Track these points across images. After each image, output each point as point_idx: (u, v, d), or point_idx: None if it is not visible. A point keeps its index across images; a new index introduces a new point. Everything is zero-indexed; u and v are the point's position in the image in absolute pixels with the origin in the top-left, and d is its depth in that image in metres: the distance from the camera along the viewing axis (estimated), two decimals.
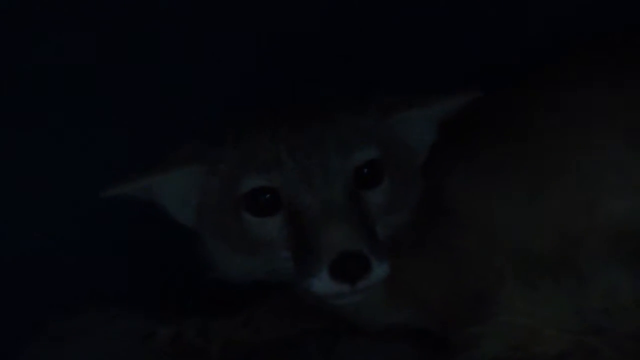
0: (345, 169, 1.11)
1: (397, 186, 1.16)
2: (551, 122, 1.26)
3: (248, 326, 1.34)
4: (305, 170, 1.10)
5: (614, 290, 1.13)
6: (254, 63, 1.50)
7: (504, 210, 1.23)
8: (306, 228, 1.09)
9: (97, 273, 1.44)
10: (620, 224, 1.19)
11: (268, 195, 1.12)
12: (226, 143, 1.17)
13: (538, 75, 1.33)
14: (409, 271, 1.23)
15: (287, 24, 1.50)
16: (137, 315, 1.37)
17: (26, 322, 1.35)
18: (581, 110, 1.25)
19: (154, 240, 1.39)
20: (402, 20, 1.51)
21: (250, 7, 1.49)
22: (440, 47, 1.52)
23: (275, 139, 1.13)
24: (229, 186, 1.14)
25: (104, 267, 1.44)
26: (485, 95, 1.19)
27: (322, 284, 1.06)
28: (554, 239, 1.21)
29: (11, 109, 1.43)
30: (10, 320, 1.39)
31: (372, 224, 1.12)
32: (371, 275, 1.06)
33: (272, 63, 1.50)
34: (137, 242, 1.44)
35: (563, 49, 1.36)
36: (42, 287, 1.42)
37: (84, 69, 1.43)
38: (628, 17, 1.45)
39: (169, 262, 1.38)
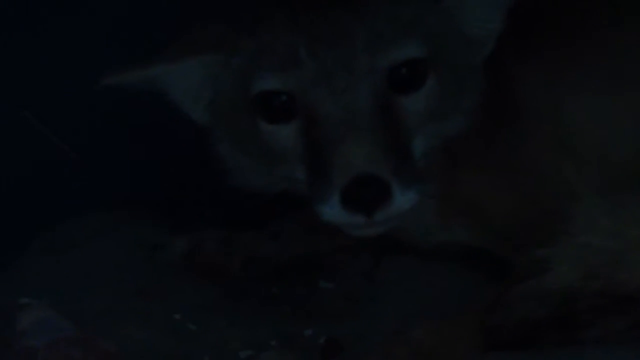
0: (376, 69, 0.93)
1: (448, 88, 0.98)
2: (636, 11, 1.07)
3: (276, 240, 1.20)
4: (326, 69, 0.93)
5: None
6: None
7: (581, 114, 1.06)
8: (322, 141, 0.92)
9: (96, 175, 1.27)
10: None
11: (282, 99, 0.95)
12: (242, 30, 0.99)
13: None
14: (467, 183, 1.06)
15: None
16: (145, 222, 1.22)
17: (22, 232, 1.21)
18: None
19: (167, 138, 1.22)
20: None
21: None
22: None
23: (294, 28, 0.95)
24: (243, 83, 0.98)
25: (105, 166, 1.28)
26: None
27: (333, 211, 0.90)
28: (638, 148, 1.04)
29: None
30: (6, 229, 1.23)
31: (406, 139, 0.95)
32: (391, 205, 0.89)
33: None
34: (146, 140, 1.28)
35: None
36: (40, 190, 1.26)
37: None
38: None
39: (184, 164, 1.22)
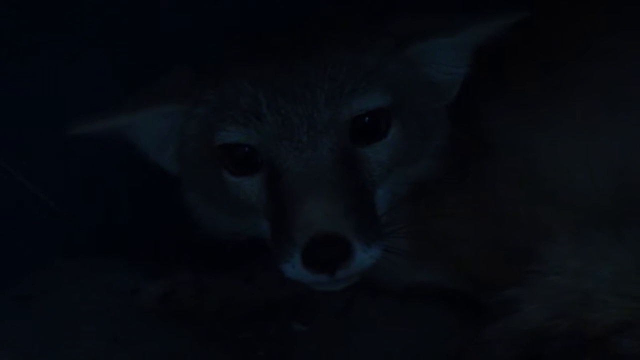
0: (339, 122, 0.92)
1: (413, 135, 0.97)
2: (612, 42, 1.06)
3: (251, 283, 1.18)
4: (288, 123, 0.92)
5: None
6: None
7: (553, 151, 1.05)
8: (284, 197, 0.91)
9: (71, 221, 1.27)
10: None
11: (246, 152, 0.95)
12: (206, 80, 0.99)
13: None
14: (439, 222, 1.05)
15: None
16: (120, 268, 1.21)
17: None
18: None
19: (143, 184, 1.21)
20: None
21: None
22: None
23: (256, 81, 0.94)
24: (207, 134, 0.97)
25: (82, 212, 1.27)
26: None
27: (296, 271, 0.90)
28: (611, 184, 1.03)
29: None
30: None
31: (369, 191, 0.94)
32: (353, 263, 0.89)
33: None
34: (122, 185, 1.28)
35: None
36: (13, 236, 1.25)
37: None
38: None
39: (160, 210, 1.20)
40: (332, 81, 0.93)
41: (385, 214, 0.96)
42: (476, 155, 1.05)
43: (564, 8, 1.12)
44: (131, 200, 1.27)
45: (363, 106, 0.93)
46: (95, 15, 1.26)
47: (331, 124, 0.92)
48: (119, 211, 1.27)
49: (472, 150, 1.05)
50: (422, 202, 1.03)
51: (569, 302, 0.95)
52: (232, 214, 1.00)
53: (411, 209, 1.02)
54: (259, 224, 0.97)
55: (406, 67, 0.99)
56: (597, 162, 1.04)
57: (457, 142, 1.02)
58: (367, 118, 0.94)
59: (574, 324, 0.94)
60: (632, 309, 0.92)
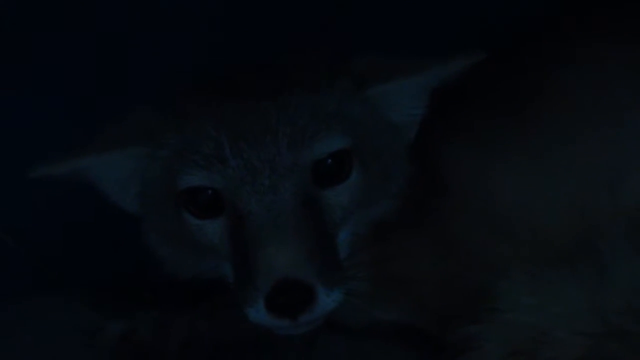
0: (300, 166, 0.93)
1: (374, 176, 0.98)
2: (563, 84, 1.09)
3: (212, 320, 1.18)
4: (251, 167, 0.92)
5: None
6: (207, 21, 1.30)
7: (510, 188, 1.07)
8: (247, 241, 0.91)
9: (32, 259, 1.26)
10: None
11: (208, 195, 0.95)
12: (168, 122, 0.99)
13: (543, 34, 1.15)
14: (399, 261, 1.06)
15: None
16: (81, 307, 1.20)
17: None
18: (597, 71, 1.08)
19: (103, 223, 1.20)
20: None
21: None
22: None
23: (219, 124, 0.95)
24: (169, 176, 0.97)
25: (41, 252, 1.26)
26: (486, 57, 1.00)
27: (259, 316, 0.91)
28: (568, 221, 1.04)
29: None
30: None
31: (331, 233, 0.95)
32: (316, 307, 0.90)
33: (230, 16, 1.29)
34: (81, 225, 1.27)
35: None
36: None
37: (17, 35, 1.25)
38: None
39: (121, 249, 1.20)
40: (293, 125, 0.94)
41: (347, 257, 0.97)
42: (434, 194, 1.07)
43: (517, 47, 1.15)
44: (93, 237, 1.26)
45: (325, 149, 0.94)
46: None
47: (293, 167, 0.93)
48: (79, 248, 1.26)
49: (430, 189, 1.06)
50: (381, 243, 1.04)
51: (525, 339, 0.96)
52: (195, 256, 1.00)
53: (371, 250, 1.02)
54: (222, 266, 0.97)
55: (366, 109, 0.99)
56: (554, 199, 1.05)
57: (415, 182, 1.03)
58: (329, 160, 0.95)
59: None
60: (586, 346, 0.94)
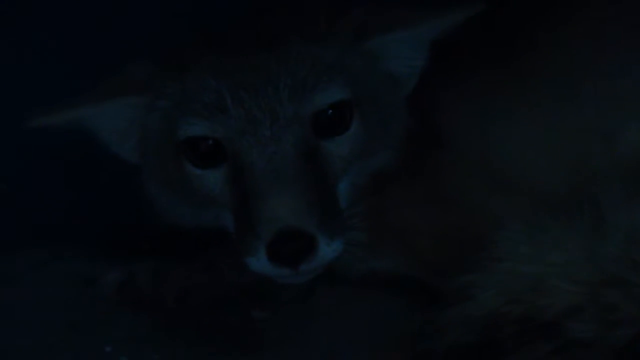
0: (301, 116, 0.94)
1: (373, 127, 0.99)
2: (560, 36, 1.09)
3: (209, 271, 1.18)
4: (252, 117, 0.93)
5: (638, 234, 0.95)
6: None
7: (507, 140, 1.07)
8: (248, 191, 0.92)
9: (29, 210, 1.26)
10: None
11: (209, 144, 0.96)
12: (169, 73, 0.99)
13: None
14: (395, 212, 1.07)
15: None
16: (78, 257, 1.20)
17: None
18: (594, 24, 1.08)
19: (100, 173, 1.21)
20: None
21: None
22: None
23: (220, 75, 0.95)
24: (169, 127, 0.98)
25: (38, 201, 1.26)
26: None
27: (260, 264, 0.92)
28: (565, 172, 1.05)
29: None
30: None
31: (332, 184, 0.96)
32: (316, 256, 0.91)
33: None
34: (80, 174, 1.26)
35: None
36: None
37: None
38: None
39: (118, 198, 1.20)
40: (294, 76, 0.94)
41: (346, 207, 0.97)
42: (431, 146, 1.07)
43: (519, 1, 1.15)
44: (91, 187, 1.26)
45: (325, 100, 0.95)
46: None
47: (294, 118, 0.93)
48: (78, 199, 1.26)
49: (428, 141, 1.06)
50: (379, 194, 1.04)
51: (522, 288, 0.96)
52: (195, 206, 1.00)
53: (369, 201, 1.03)
54: (222, 216, 0.98)
55: (366, 60, 1.00)
56: (551, 151, 1.06)
57: (413, 134, 1.04)
58: (330, 111, 0.95)
59: (526, 309, 0.95)
60: (583, 294, 0.94)
